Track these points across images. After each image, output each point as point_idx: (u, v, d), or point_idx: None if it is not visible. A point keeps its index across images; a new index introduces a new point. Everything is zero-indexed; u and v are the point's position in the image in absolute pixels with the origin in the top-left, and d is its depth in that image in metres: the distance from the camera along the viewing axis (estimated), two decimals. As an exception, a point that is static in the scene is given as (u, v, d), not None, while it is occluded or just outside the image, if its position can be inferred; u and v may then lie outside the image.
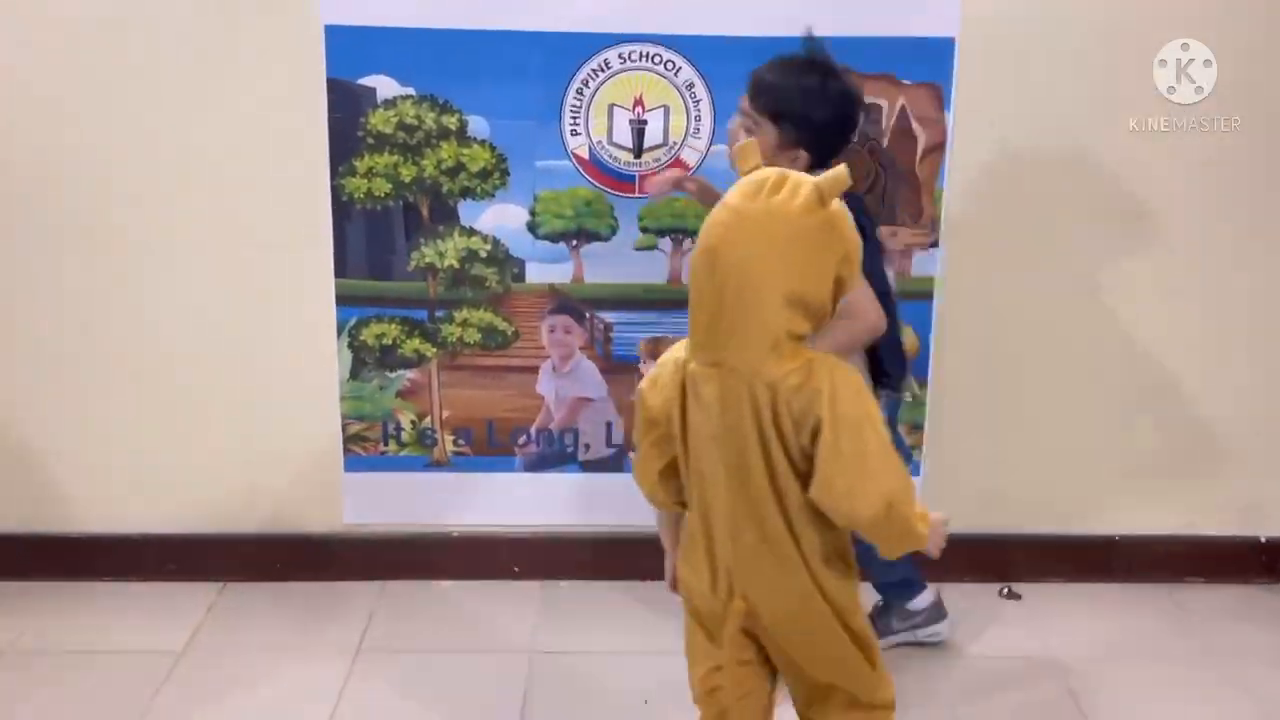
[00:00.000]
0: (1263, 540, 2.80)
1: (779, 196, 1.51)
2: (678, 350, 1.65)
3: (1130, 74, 2.52)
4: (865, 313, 2.07)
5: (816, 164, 2.07)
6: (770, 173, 1.54)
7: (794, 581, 1.65)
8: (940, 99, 2.53)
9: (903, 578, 2.48)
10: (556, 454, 2.73)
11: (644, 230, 2.59)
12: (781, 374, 1.54)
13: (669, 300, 2.62)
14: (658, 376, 1.66)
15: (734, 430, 1.58)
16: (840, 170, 1.50)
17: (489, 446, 2.71)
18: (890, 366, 2.27)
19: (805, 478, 1.57)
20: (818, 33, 2.42)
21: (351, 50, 2.46)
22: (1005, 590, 2.75)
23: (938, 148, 2.56)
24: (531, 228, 2.58)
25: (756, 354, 1.54)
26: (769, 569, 1.65)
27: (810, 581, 1.65)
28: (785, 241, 1.51)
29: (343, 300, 2.60)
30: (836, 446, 1.52)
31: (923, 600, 2.50)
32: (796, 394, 1.54)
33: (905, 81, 2.52)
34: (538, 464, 2.72)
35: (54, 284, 2.58)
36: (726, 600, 1.68)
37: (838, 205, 1.53)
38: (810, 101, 2.09)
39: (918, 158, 2.56)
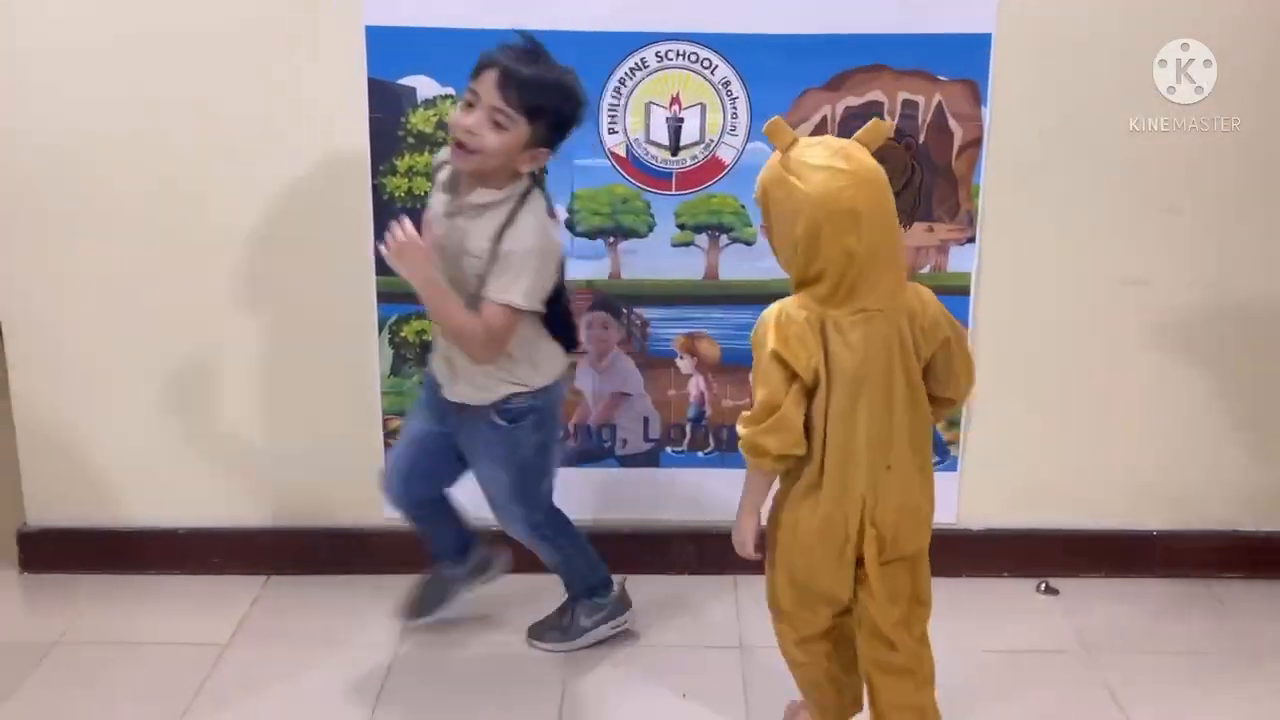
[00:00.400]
0: (1260, 534, 2.78)
1: (862, 154, 1.77)
2: (795, 308, 1.80)
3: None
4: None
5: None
6: (817, 140, 1.80)
7: (920, 489, 1.89)
8: (977, 95, 2.53)
9: (600, 580, 2.51)
10: (594, 449, 2.75)
11: (681, 227, 2.61)
12: (907, 301, 1.81)
13: (706, 296, 2.64)
14: (791, 335, 1.79)
15: (882, 365, 1.80)
16: (876, 122, 1.81)
17: (528, 442, 2.73)
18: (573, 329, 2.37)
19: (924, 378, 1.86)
20: (852, 30, 2.45)
21: (392, 50, 2.49)
22: (1043, 586, 2.74)
23: (974, 143, 2.56)
24: (569, 225, 2.60)
25: (898, 290, 1.81)
26: (905, 487, 1.86)
27: (928, 483, 1.90)
28: (887, 189, 1.78)
29: (383, 298, 2.63)
30: (965, 350, 1.88)
31: (614, 589, 2.53)
32: (923, 314, 1.83)
33: (941, 78, 2.52)
34: (575, 459, 2.74)
35: (102, 279, 2.62)
36: (858, 537, 1.85)
37: None
38: (568, 99, 2.11)
39: (954, 153, 2.57)
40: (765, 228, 1.88)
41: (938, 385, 1.87)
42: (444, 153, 2.25)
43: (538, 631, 2.53)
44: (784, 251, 1.84)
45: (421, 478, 2.43)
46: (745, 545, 1.97)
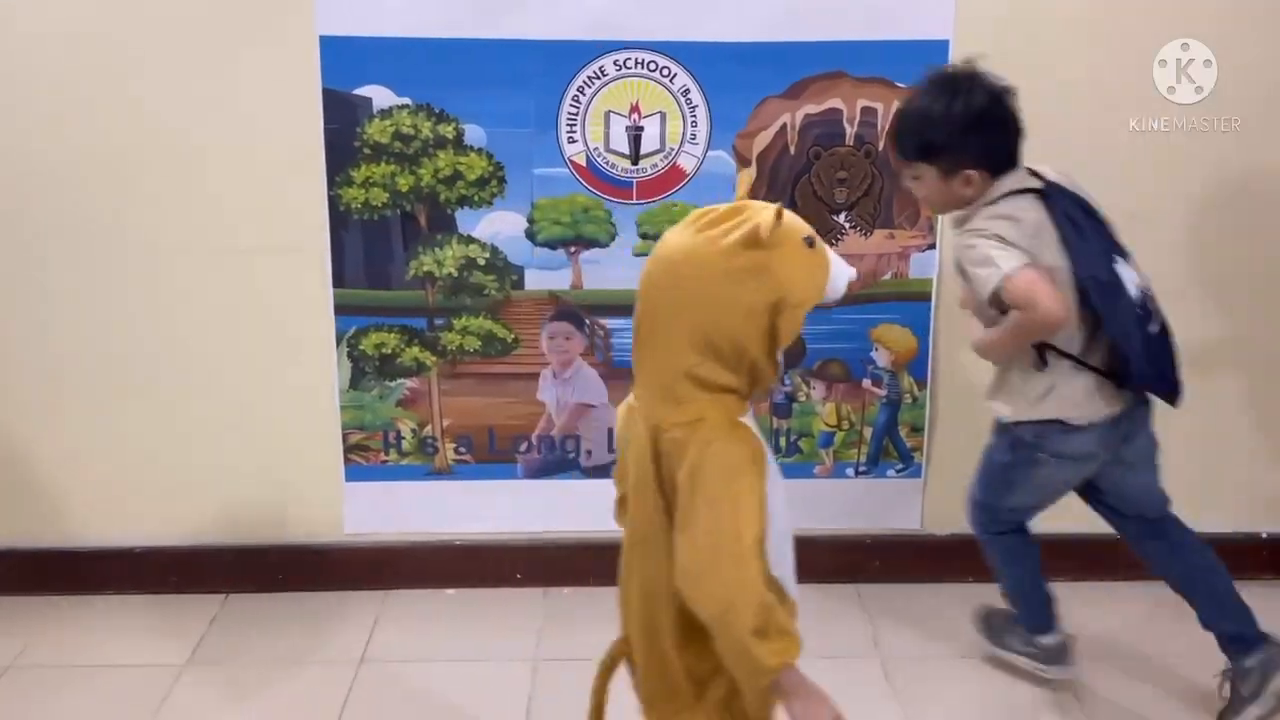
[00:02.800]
0: (1264, 536, 2.81)
1: (711, 231, 1.40)
2: None
3: (1130, 74, 2.52)
4: (1032, 300, 1.96)
5: (993, 172, 2.07)
6: (722, 206, 1.44)
7: (650, 649, 1.58)
8: (935, 101, 2.53)
9: (1238, 629, 2.27)
10: (558, 461, 2.73)
11: (643, 236, 2.60)
12: (669, 422, 1.43)
13: (668, 305, 2.62)
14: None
15: (639, 472, 1.48)
16: (786, 214, 1.40)
17: (490, 454, 2.71)
18: (1135, 370, 2.09)
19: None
20: (811, 38, 2.45)
21: (347, 61, 2.47)
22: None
23: (934, 149, 2.56)
24: (530, 235, 2.58)
25: (655, 392, 1.45)
26: (640, 632, 1.59)
27: (658, 641, 1.55)
28: (699, 282, 1.39)
29: (341, 310, 2.61)
30: (687, 521, 1.40)
31: (1050, 639, 2.39)
32: (673, 448, 1.42)
33: (900, 85, 2.52)
34: (539, 471, 2.72)
35: (51, 296, 2.58)
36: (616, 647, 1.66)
37: (790, 246, 1.40)
38: (939, 124, 2.04)
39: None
40: None
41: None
42: None
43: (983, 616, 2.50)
44: None
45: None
46: None
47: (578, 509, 2.72)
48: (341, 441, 2.68)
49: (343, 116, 2.50)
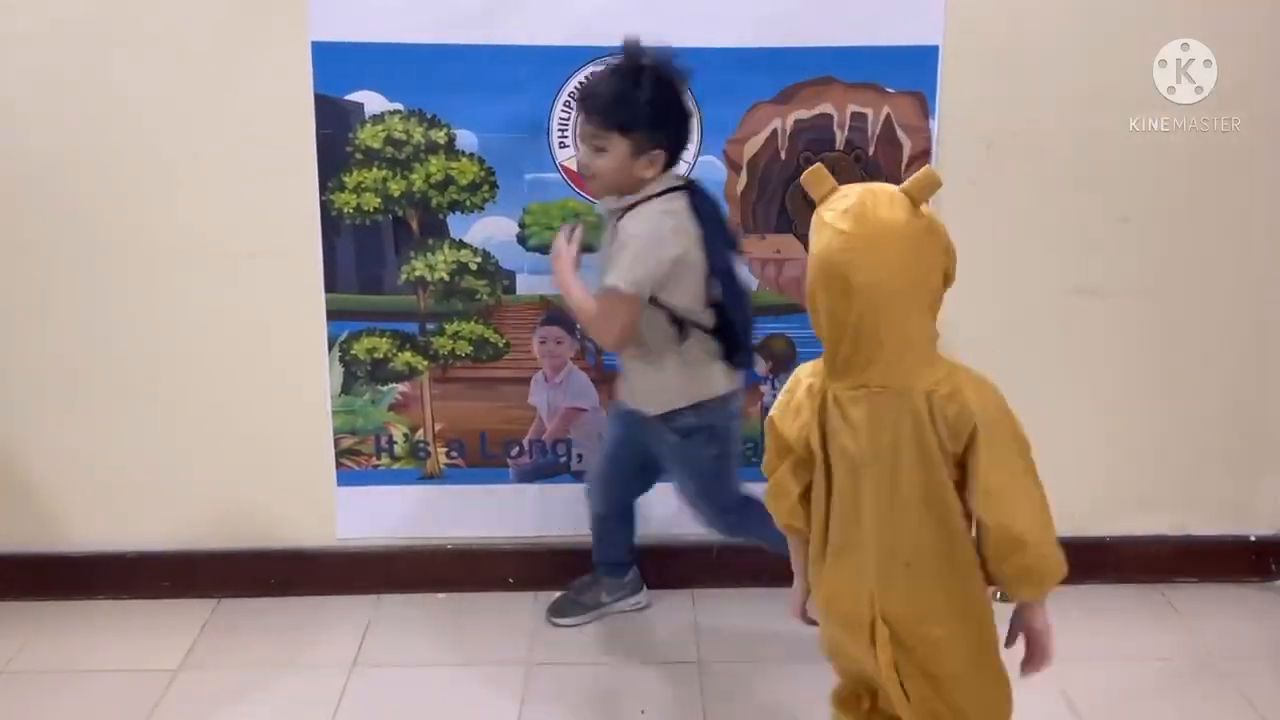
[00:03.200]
0: (1252, 539, 2.82)
1: (885, 212, 1.54)
2: (807, 374, 1.68)
3: (1130, 74, 2.54)
4: (609, 325, 2.22)
5: (670, 156, 2.24)
6: (855, 189, 1.58)
7: (946, 609, 1.65)
8: (924, 106, 2.54)
9: (622, 559, 2.64)
10: (549, 465, 2.73)
11: (633, 241, 2.60)
12: (934, 383, 1.58)
13: (659, 310, 2.63)
14: (789, 402, 1.68)
15: (889, 449, 1.59)
16: (927, 172, 1.56)
17: (482, 458, 2.71)
18: (747, 348, 2.39)
19: (960, 487, 1.61)
20: (801, 43, 2.46)
21: (339, 66, 2.47)
22: (997, 593, 2.75)
23: (923, 155, 2.57)
24: (521, 240, 2.59)
25: (909, 368, 1.58)
26: (924, 598, 1.64)
27: (960, 608, 1.66)
28: (909, 253, 1.55)
29: (333, 315, 2.61)
30: (1007, 454, 1.58)
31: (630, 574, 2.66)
32: (949, 402, 1.57)
33: (890, 90, 2.53)
34: (531, 475, 2.73)
35: (44, 301, 2.58)
36: (870, 630, 1.65)
37: (928, 206, 1.57)
38: (644, 101, 2.18)
39: (903, 165, 2.58)
40: None
41: (973, 496, 1.59)
42: None
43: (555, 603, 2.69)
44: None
45: (618, 482, 2.56)
46: (793, 609, 1.85)
47: (570, 513, 2.72)
48: (333, 446, 2.68)
49: (335, 122, 2.50)
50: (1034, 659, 1.71)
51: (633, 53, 2.22)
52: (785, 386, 1.71)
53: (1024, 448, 1.61)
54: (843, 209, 1.55)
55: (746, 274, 2.47)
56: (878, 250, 1.54)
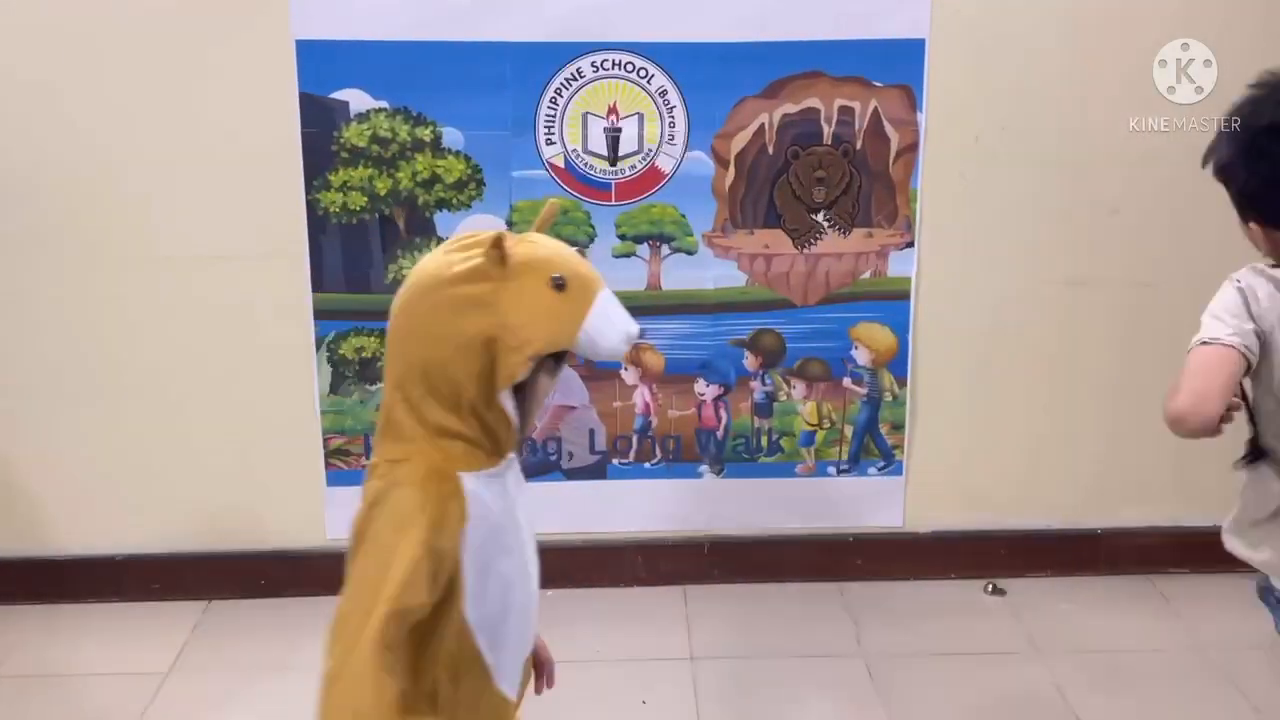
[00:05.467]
0: (1242, 530, 2.82)
1: (456, 255, 1.28)
2: None
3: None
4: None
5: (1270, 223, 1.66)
6: (487, 233, 1.29)
7: None
8: (912, 100, 2.54)
9: None
10: (540, 463, 2.72)
11: (621, 237, 2.60)
12: (379, 457, 1.32)
13: (648, 306, 2.63)
14: None
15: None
16: (521, 246, 1.28)
17: (471, 457, 2.70)
18: None
19: None
20: (788, 37, 2.45)
21: (323, 64, 2.46)
22: (990, 586, 2.76)
23: (911, 148, 2.57)
24: (508, 238, 2.58)
25: (380, 422, 1.34)
26: None
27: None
28: (423, 303, 1.28)
29: (320, 314, 2.60)
30: (349, 564, 1.30)
31: None
32: (368, 484, 1.31)
33: (877, 84, 2.53)
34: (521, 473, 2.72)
35: (28, 304, 2.56)
36: None
37: (532, 284, 1.27)
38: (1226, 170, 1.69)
39: (891, 159, 2.58)
40: None
41: None
42: None
43: None
44: None
45: None
46: None
47: (560, 511, 2.72)
48: (323, 446, 2.67)
49: (319, 120, 2.49)
50: None
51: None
52: None
53: (372, 600, 1.26)
54: (454, 237, 1.33)
55: None
56: (404, 289, 1.31)
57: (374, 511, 1.27)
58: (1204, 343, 1.67)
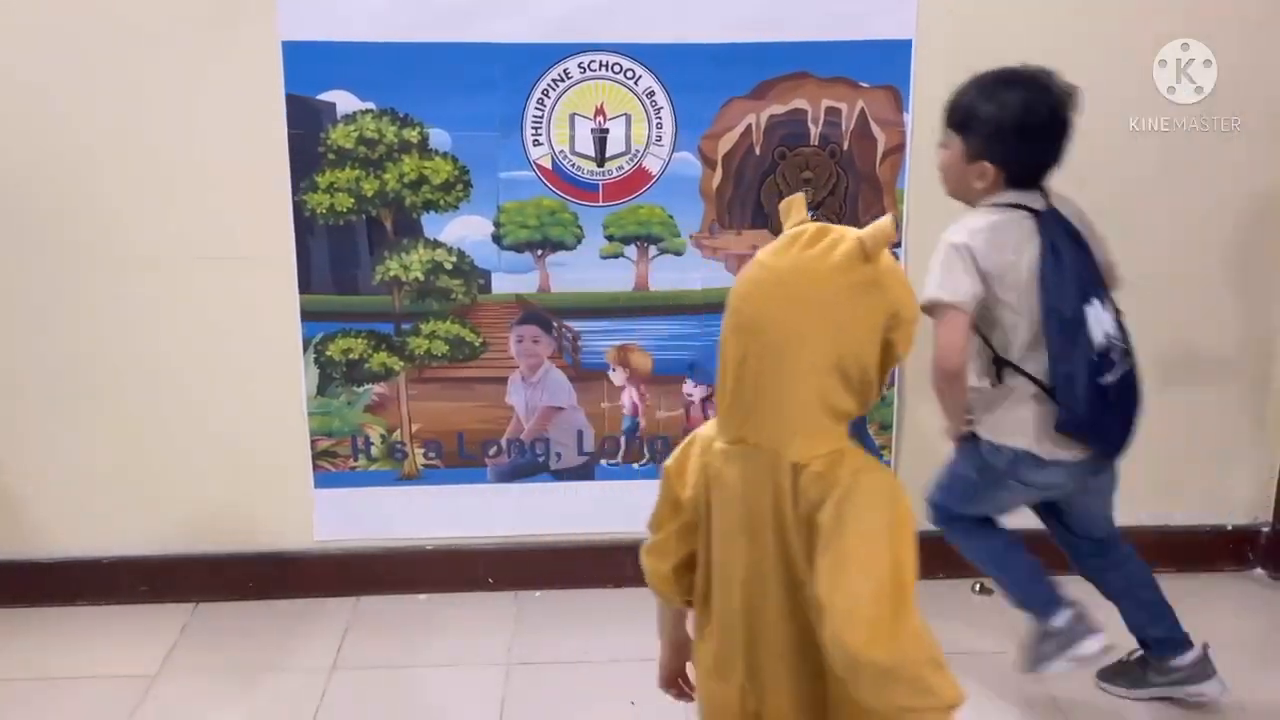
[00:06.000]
0: (1229, 528, 2.83)
1: (814, 250, 1.30)
2: (707, 428, 1.44)
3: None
4: (941, 343, 2.08)
5: (1011, 181, 2.06)
6: (810, 226, 1.33)
7: (810, 694, 1.41)
8: (899, 101, 2.55)
9: (1168, 633, 2.33)
10: (528, 464, 2.72)
11: (609, 238, 2.60)
12: (808, 457, 1.32)
13: (636, 308, 2.63)
14: (684, 458, 1.46)
15: (755, 517, 1.36)
16: (881, 224, 1.29)
17: (459, 458, 2.70)
18: (1070, 416, 2.07)
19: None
20: (775, 39, 2.45)
21: (310, 66, 2.46)
22: (977, 586, 2.76)
23: (897, 149, 2.58)
24: (496, 239, 2.58)
25: (785, 430, 1.33)
26: (784, 678, 1.41)
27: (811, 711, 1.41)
28: (820, 302, 1.30)
29: (308, 316, 2.60)
30: (839, 559, 1.28)
31: (1185, 657, 2.32)
32: (815, 483, 1.31)
33: (863, 84, 2.54)
34: (509, 474, 2.72)
35: (15, 306, 2.56)
36: (740, 708, 1.45)
37: (888, 260, 1.32)
38: (986, 106, 2.04)
39: (878, 160, 2.58)
40: None
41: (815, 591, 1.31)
42: None
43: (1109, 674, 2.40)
44: None
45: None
46: (661, 678, 1.65)
47: (548, 512, 2.72)
48: (310, 448, 2.67)
49: (306, 122, 2.49)
50: None
51: (1017, 69, 2.06)
52: (687, 438, 1.48)
53: (898, 581, 1.30)
54: (780, 242, 1.34)
55: (1110, 330, 2.09)
56: (783, 288, 1.31)
57: (851, 509, 1.29)
58: (942, 304, 2.04)
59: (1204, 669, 2.31)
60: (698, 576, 1.48)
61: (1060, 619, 2.23)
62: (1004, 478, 2.18)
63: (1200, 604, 2.68)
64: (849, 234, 1.31)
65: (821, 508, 1.30)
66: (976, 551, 2.33)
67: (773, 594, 1.38)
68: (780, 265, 1.32)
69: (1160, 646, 2.33)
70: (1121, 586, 2.33)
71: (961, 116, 2.07)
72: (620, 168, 2.56)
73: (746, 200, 2.59)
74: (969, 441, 2.22)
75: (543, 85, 2.50)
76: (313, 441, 2.67)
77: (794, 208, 1.38)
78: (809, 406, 1.32)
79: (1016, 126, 2.03)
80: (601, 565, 2.75)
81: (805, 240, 1.32)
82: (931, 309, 2.04)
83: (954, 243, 2.05)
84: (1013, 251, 2.05)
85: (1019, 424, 2.13)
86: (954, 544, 2.34)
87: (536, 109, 2.51)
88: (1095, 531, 2.33)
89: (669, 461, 1.49)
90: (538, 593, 2.75)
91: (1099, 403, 2.06)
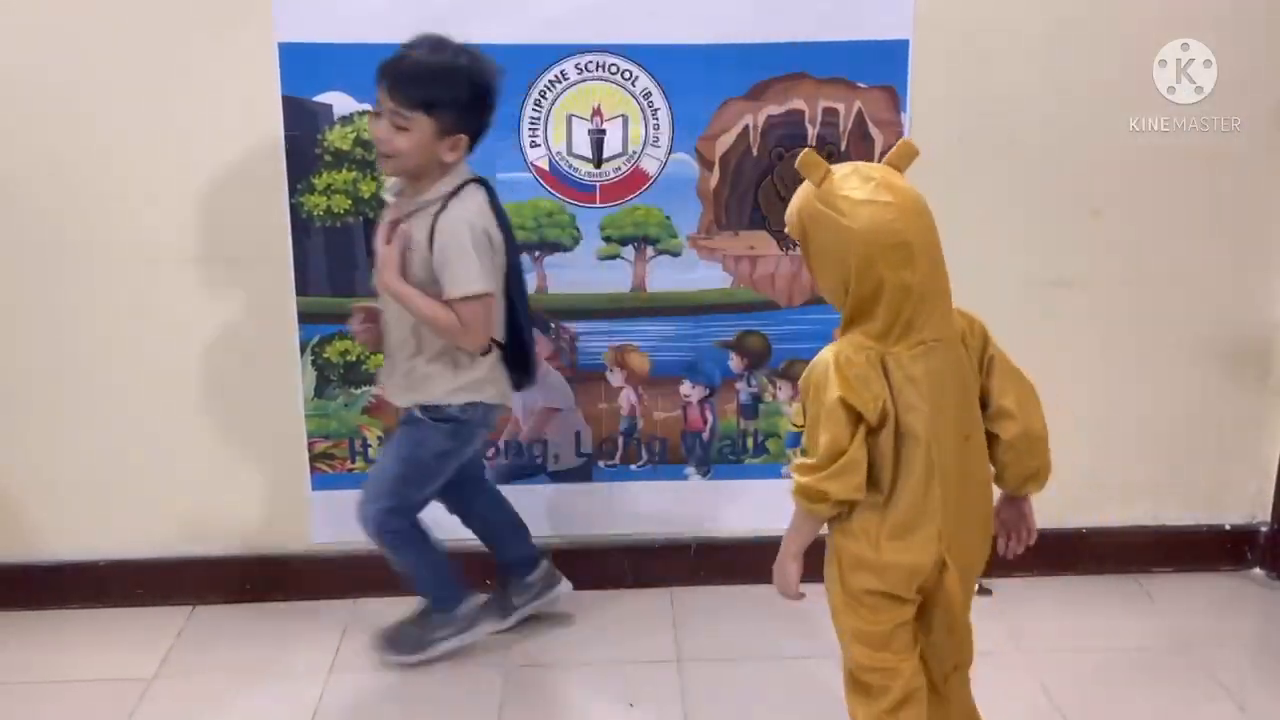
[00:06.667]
0: (1227, 528, 2.83)
1: (901, 182, 1.70)
2: (851, 351, 1.70)
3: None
4: (476, 328, 2.23)
5: (472, 143, 2.21)
6: (848, 168, 1.71)
7: (986, 522, 1.86)
8: (896, 101, 2.55)
9: (529, 550, 2.58)
10: (525, 465, 2.72)
11: (607, 240, 2.59)
12: (958, 325, 1.76)
13: (634, 308, 2.63)
14: (854, 378, 1.69)
15: (951, 396, 1.74)
16: (905, 143, 1.75)
17: (457, 460, 2.70)
18: (526, 357, 2.39)
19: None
20: (771, 39, 2.45)
21: (306, 67, 2.45)
22: (978, 586, 2.76)
23: (895, 149, 2.57)
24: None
25: (952, 318, 1.76)
26: (974, 520, 1.82)
27: (991, 517, 1.87)
28: (930, 212, 1.71)
29: (305, 318, 2.59)
30: (1012, 368, 1.82)
31: (540, 569, 2.58)
32: (971, 334, 1.78)
33: (860, 85, 2.53)
34: (506, 475, 2.71)
35: (11, 306, 2.55)
36: (940, 572, 1.78)
37: None
38: (457, 81, 2.16)
39: (876, 160, 2.57)
40: (806, 264, 1.83)
41: (987, 417, 1.80)
42: None
43: (388, 638, 2.50)
44: (830, 289, 1.77)
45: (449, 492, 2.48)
46: (790, 588, 1.86)
47: (545, 513, 2.72)
48: (307, 450, 2.67)
49: (303, 123, 2.48)
50: (1030, 536, 1.96)
51: (441, 39, 2.20)
52: (827, 370, 1.71)
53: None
54: (870, 185, 1.67)
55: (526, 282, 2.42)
56: (920, 214, 1.69)
57: (988, 332, 1.83)
58: (479, 295, 2.20)
59: (554, 575, 2.59)
60: (880, 477, 1.74)
61: (465, 607, 2.50)
62: (477, 430, 2.36)
63: (1198, 604, 2.70)
64: (883, 165, 1.74)
65: (987, 344, 1.80)
66: (415, 559, 2.46)
67: (972, 443, 1.78)
68: (905, 200, 1.68)
69: (523, 565, 2.56)
70: (491, 513, 2.56)
71: (425, 96, 2.13)
72: (617, 169, 2.55)
73: (744, 201, 2.59)
74: (410, 424, 2.35)
75: (539, 86, 2.50)
76: (310, 443, 2.67)
77: (815, 162, 1.71)
78: (950, 291, 1.74)
79: (485, 93, 2.19)
80: (600, 567, 2.75)
81: (886, 177, 1.70)
82: (478, 299, 2.20)
83: (476, 227, 2.20)
84: (495, 224, 2.25)
85: (492, 378, 2.33)
86: (393, 555, 2.43)
87: (533, 110, 2.51)
88: (475, 469, 2.55)
89: (839, 392, 1.69)
90: (536, 594, 2.74)
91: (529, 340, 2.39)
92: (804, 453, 1.78)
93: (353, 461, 2.68)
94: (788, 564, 1.85)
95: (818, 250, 1.75)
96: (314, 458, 2.67)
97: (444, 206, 2.20)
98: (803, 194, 1.75)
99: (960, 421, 1.76)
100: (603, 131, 2.53)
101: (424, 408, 2.31)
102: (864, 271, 1.67)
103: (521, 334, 2.35)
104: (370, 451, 2.68)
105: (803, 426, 1.81)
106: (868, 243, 1.66)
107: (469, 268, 2.18)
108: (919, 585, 1.79)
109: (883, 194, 1.66)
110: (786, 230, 1.81)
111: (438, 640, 2.47)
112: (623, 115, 2.52)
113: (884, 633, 1.81)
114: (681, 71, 2.49)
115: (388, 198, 2.32)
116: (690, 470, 2.73)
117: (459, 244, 2.17)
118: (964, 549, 1.81)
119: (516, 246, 2.34)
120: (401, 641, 2.48)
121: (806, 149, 1.71)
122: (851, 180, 1.68)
